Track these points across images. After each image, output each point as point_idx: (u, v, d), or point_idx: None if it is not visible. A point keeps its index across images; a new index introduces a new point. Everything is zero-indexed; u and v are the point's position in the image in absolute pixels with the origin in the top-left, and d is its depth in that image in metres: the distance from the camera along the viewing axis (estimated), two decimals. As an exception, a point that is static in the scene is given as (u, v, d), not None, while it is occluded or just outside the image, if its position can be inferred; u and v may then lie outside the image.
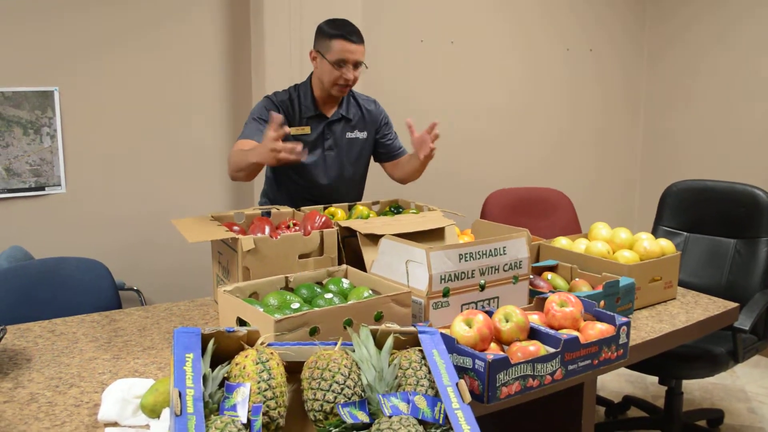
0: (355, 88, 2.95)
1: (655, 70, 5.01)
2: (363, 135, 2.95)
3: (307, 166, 2.85)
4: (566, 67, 4.73)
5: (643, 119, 5.13)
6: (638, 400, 3.54)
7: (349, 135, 2.91)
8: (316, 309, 1.67)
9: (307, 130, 2.82)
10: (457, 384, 1.39)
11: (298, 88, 2.86)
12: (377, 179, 3.12)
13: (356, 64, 2.73)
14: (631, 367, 2.86)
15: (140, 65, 3.43)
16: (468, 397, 1.36)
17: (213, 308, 2.25)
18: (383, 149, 3.02)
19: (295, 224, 2.28)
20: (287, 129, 2.33)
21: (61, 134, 3.27)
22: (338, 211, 2.54)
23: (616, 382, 3.90)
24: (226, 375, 1.35)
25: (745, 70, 4.40)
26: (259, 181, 3.34)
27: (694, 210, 3.34)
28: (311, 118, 2.83)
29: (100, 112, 3.36)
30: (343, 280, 1.98)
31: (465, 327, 1.67)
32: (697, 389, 3.81)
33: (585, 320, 1.87)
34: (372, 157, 3.07)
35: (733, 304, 2.43)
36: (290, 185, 2.91)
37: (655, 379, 3.07)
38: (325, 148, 2.87)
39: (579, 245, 2.54)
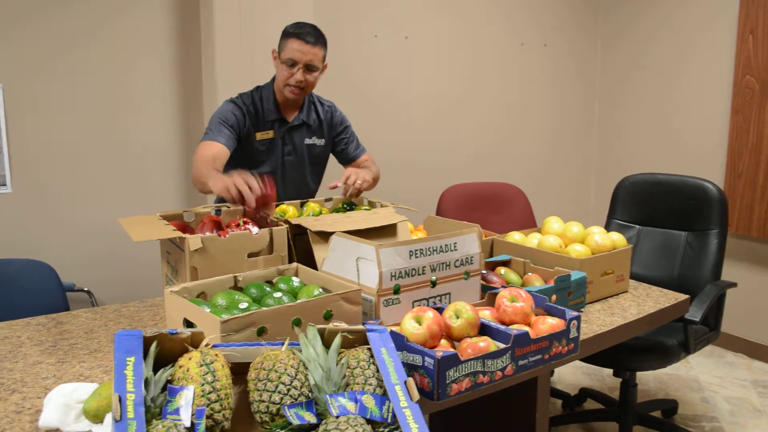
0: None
1: (609, 65, 5.05)
2: (321, 142, 2.92)
3: (265, 172, 2.81)
4: (521, 62, 4.74)
5: (598, 113, 5.18)
6: (594, 392, 3.57)
7: (307, 141, 2.88)
8: (264, 309, 1.64)
9: (270, 134, 2.79)
10: (405, 382, 1.37)
11: (260, 91, 2.82)
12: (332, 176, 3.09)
13: (308, 67, 2.67)
14: (585, 359, 2.88)
15: (88, 62, 3.35)
16: (416, 396, 1.35)
17: (164, 309, 2.21)
18: (339, 155, 3.01)
19: (245, 222, 2.25)
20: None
21: (6, 132, 3.18)
22: (289, 208, 2.52)
23: (572, 375, 3.93)
24: (169, 378, 1.32)
25: (695, 65, 4.46)
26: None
27: (646, 203, 3.37)
28: (273, 122, 2.80)
29: (46, 109, 3.28)
30: (294, 278, 1.95)
31: (415, 324, 1.66)
32: (651, 380, 3.86)
33: (536, 315, 1.87)
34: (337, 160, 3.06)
35: (683, 296, 2.46)
36: None
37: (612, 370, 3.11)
38: (285, 154, 2.83)
39: (532, 240, 2.55)
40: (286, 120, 2.81)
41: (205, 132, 2.71)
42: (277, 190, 2.84)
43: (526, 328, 1.75)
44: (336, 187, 2.61)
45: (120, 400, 1.18)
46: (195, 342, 1.39)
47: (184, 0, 3.54)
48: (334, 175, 3.10)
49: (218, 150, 2.61)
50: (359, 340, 1.50)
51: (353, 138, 3.02)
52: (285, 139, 2.82)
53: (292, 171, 2.87)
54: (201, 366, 1.31)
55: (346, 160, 3.01)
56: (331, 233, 2.07)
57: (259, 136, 2.77)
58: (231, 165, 2.93)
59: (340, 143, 2.98)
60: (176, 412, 1.25)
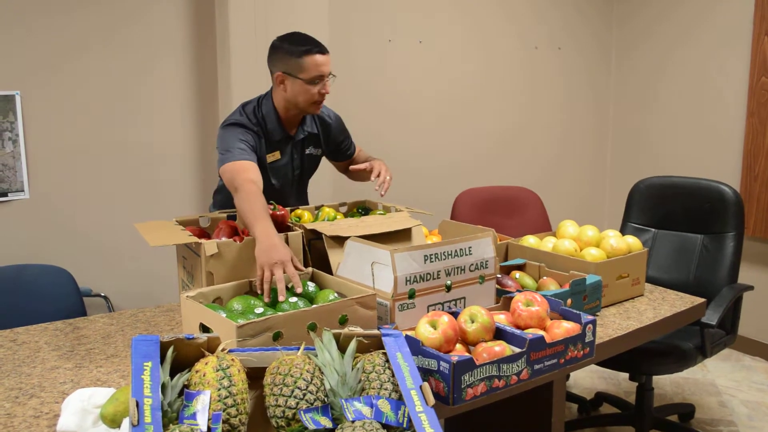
0: None
1: (623, 67, 5.04)
2: (317, 152, 2.84)
3: (277, 188, 2.78)
4: (535, 66, 4.74)
5: (612, 116, 5.16)
6: (610, 396, 3.55)
7: (307, 151, 2.81)
8: (280, 313, 1.65)
9: (277, 155, 2.69)
10: (420, 387, 1.37)
11: (260, 110, 2.65)
12: (345, 180, 3.08)
13: (328, 76, 2.59)
14: (601, 363, 2.86)
15: (103, 68, 3.38)
16: (431, 400, 1.35)
17: (179, 314, 2.22)
18: (338, 157, 2.94)
19: None
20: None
21: (24, 139, 3.21)
22: (305, 213, 2.53)
23: (588, 379, 3.91)
24: (186, 383, 1.33)
25: (710, 67, 4.44)
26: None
27: (661, 206, 3.35)
28: (279, 141, 2.69)
29: (63, 116, 3.31)
30: (309, 283, 1.96)
31: (430, 329, 1.66)
32: (668, 384, 3.84)
33: (551, 319, 1.87)
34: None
35: (699, 300, 2.45)
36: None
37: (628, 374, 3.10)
38: (294, 168, 2.78)
39: (547, 243, 2.54)
40: (291, 135, 2.72)
41: (226, 150, 2.47)
42: (286, 203, 2.80)
43: (541, 333, 1.74)
44: (363, 171, 2.64)
45: (137, 404, 1.19)
46: (211, 347, 1.40)
47: (198, 3, 3.56)
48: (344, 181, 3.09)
49: (256, 172, 2.41)
50: (374, 344, 1.50)
51: (350, 141, 2.94)
52: (293, 155, 2.75)
53: (300, 183, 2.85)
54: (217, 371, 1.32)
55: (344, 158, 2.94)
56: (346, 238, 2.07)
57: (269, 158, 2.69)
58: None
59: (342, 150, 2.90)
60: (193, 416, 1.25)
